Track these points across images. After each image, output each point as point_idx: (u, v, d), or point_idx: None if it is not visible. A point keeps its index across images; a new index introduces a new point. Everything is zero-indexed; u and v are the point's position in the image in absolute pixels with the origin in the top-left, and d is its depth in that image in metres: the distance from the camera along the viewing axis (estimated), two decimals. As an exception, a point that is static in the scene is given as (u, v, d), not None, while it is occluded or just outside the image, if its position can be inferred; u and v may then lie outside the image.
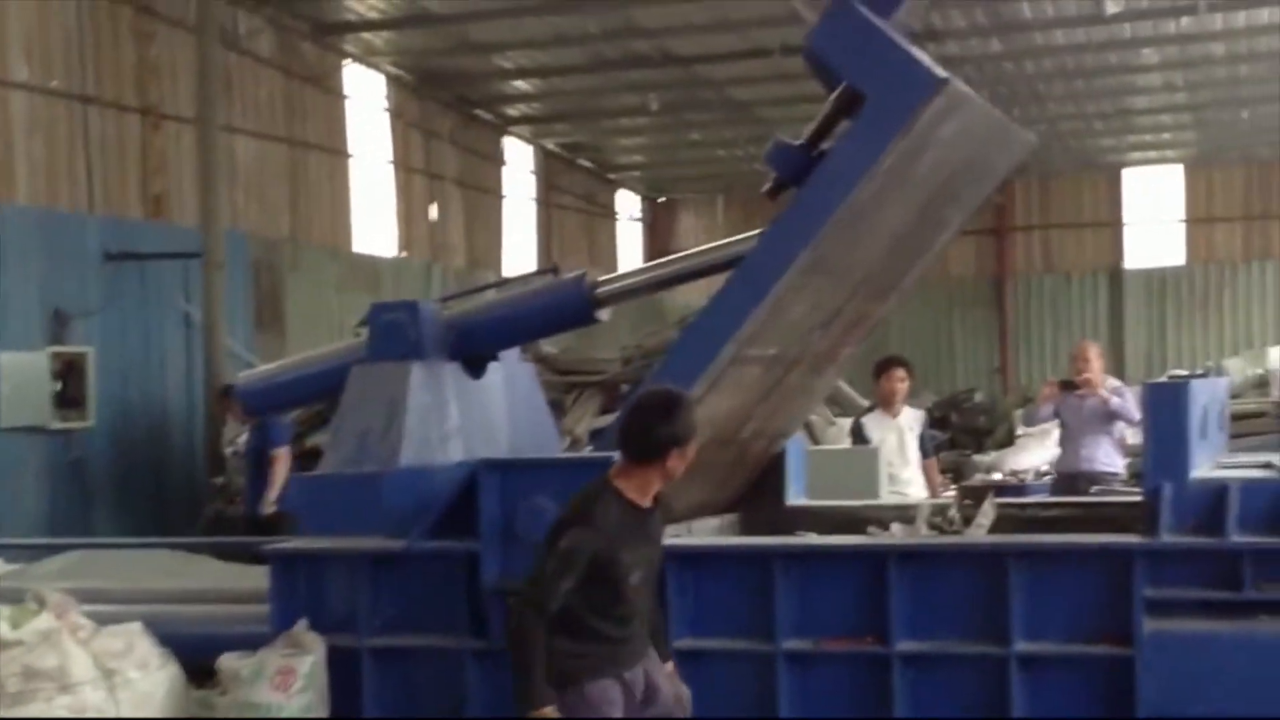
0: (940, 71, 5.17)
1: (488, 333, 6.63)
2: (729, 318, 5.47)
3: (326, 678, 5.75)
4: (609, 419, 12.83)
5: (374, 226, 19.52)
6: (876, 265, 6.08)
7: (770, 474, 6.99)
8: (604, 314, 6.54)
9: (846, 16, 5.30)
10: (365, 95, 19.38)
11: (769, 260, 5.42)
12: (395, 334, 6.33)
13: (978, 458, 17.84)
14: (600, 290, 6.44)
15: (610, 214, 29.46)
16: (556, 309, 6.58)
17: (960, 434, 22.49)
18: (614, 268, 29.26)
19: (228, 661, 5.76)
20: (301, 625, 5.84)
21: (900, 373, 9.20)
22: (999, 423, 21.43)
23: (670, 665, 4.82)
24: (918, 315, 27.24)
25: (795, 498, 7.04)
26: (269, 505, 10.78)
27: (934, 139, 5.31)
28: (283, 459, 10.91)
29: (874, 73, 5.21)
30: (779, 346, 5.89)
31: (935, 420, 22.00)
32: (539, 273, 7.15)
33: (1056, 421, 10.35)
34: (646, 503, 4.50)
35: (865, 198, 5.28)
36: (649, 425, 4.44)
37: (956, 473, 16.30)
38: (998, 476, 14.32)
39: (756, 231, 5.79)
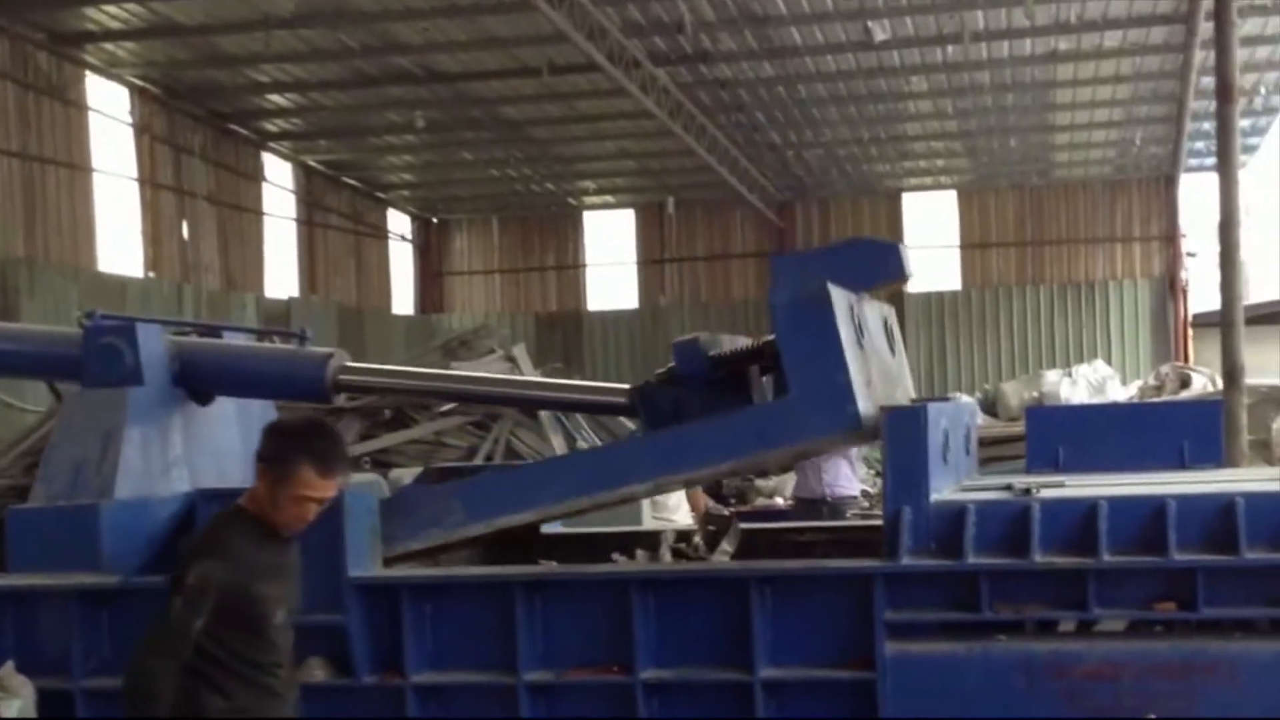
0: (863, 407, 5.05)
1: (213, 376, 6.26)
2: (545, 493, 5.49)
3: (37, 722, 5.42)
4: (369, 445, 12.45)
5: (120, 246, 18.71)
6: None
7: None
8: (339, 399, 6.35)
9: (812, 301, 5.08)
10: (109, 108, 18.55)
11: (608, 469, 5.48)
12: (111, 358, 5.92)
13: (760, 482, 17.89)
14: (343, 377, 6.16)
15: (380, 234, 28.89)
16: (290, 380, 6.27)
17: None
18: (386, 289, 28.77)
19: (-75, 707, 5.36)
20: (8, 667, 5.48)
21: None
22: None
23: None
24: (696, 337, 27.40)
25: (549, 524, 6.85)
26: None
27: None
28: None
29: (808, 378, 5.06)
30: None
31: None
32: (287, 333, 6.82)
33: None
34: (284, 530, 4.16)
35: (727, 466, 5.39)
36: (285, 442, 4.14)
37: (740, 497, 16.33)
38: (780, 501, 14.43)
39: (531, 378, 5.68)
